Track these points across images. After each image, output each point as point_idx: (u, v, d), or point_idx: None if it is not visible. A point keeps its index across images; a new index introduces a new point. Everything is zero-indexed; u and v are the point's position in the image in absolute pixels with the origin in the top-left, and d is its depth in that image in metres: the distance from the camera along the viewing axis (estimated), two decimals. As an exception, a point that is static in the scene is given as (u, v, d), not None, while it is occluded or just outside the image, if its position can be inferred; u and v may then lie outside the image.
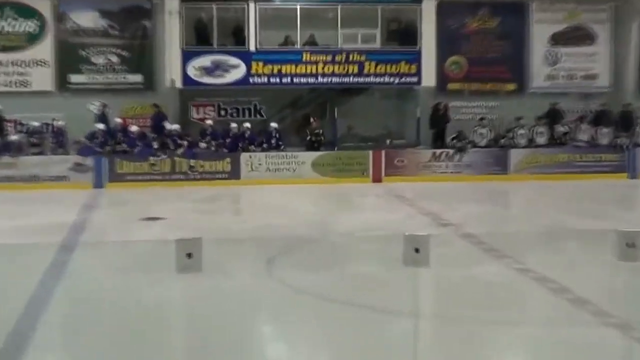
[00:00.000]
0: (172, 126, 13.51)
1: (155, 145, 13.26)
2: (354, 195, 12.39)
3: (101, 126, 13.33)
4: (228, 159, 13.36)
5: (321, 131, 14.12)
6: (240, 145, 13.72)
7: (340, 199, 12.16)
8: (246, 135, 13.86)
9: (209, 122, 13.99)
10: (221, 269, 6.61)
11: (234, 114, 14.64)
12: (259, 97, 14.65)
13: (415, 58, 14.32)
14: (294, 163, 13.50)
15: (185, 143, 13.20)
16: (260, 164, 13.41)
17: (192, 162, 12.99)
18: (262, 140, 13.86)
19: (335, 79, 14.20)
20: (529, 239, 8.39)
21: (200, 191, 12.31)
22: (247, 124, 13.95)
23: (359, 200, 12.04)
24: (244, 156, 13.42)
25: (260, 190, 12.57)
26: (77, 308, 5.67)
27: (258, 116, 14.76)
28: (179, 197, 11.67)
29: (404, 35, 14.17)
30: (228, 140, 13.68)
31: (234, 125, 13.76)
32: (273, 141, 13.87)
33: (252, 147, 13.76)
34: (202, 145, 13.35)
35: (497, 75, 14.96)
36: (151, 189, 12.45)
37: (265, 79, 14.04)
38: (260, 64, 14.01)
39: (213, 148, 13.51)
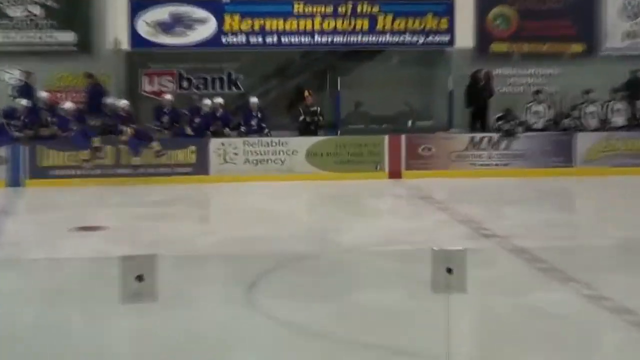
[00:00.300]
0: (117, 102, 13.67)
1: (93, 129, 13.33)
2: (363, 196, 12.47)
3: (24, 102, 13.29)
4: (192, 148, 13.48)
5: (319, 109, 14.30)
6: (209, 128, 13.78)
7: (345, 201, 12.26)
8: (217, 114, 13.96)
9: (168, 97, 14.10)
10: (183, 298, 6.63)
11: (201, 86, 14.85)
12: (234, 63, 14.85)
13: (447, 10, 14.44)
14: (282, 152, 13.63)
15: (128, 130, 13.23)
16: (236, 154, 13.52)
17: (155, 144, 13.13)
18: (238, 121, 14.07)
19: (337, 39, 14.41)
20: (604, 255, 8.41)
21: (154, 191, 12.43)
22: (219, 100, 14.06)
23: (370, 202, 12.13)
24: (214, 143, 13.54)
25: (236, 190, 12.69)
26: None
27: (234, 89, 14.98)
28: (125, 200, 11.80)
29: (432, -22, 14.66)
30: (195, 122, 13.76)
31: (206, 101, 13.89)
32: (254, 122, 14.06)
33: (226, 130, 13.87)
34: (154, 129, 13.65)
35: (558, 32, 15.03)
36: (87, 189, 12.53)
37: (243, 39, 14.24)
38: (236, 17, 14.16)
39: (166, 131, 13.66)
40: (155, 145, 13.13)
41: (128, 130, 13.18)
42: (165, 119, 13.84)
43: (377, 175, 13.59)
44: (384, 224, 10.45)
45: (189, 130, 13.78)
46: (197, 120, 13.79)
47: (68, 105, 13.42)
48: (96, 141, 13.04)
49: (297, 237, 9.25)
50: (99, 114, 13.62)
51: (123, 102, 13.59)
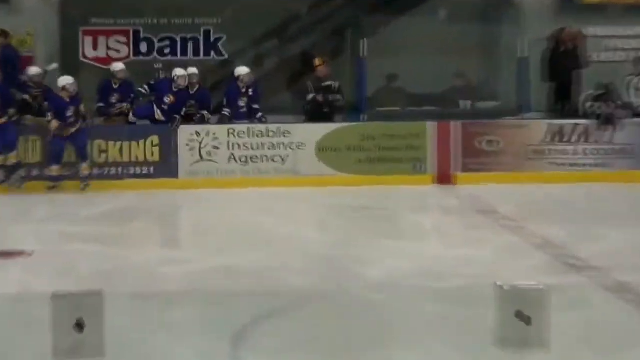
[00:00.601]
0: (39, 70, 13.81)
1: (13, 111, 13.34)
2: (399, 209, 12.51)
3: None
4: (154, 139, 13.67)
5: (336, 85, 14.39)
6: (180, 112, 13.89)
7: (373, 216, 12.23)
8: (191, 91, 14.07)
9: (118, 66, 14.15)
10: (140, 354, 6.54)
11: (167, 51, 14.99)
12: (214, 18, 15.13)
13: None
14: (282, 146, 13.73)
15: (53, 123, 13.21)
16: (217, 148, 13.66)
17: (85, 165, 13.33)
18: (220, 102, 14.25)
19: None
20: None
21: (99, 200, 12.54)
22: (193, 70, 14.14)
23: (408, 218, 12.08)
24: (186, 132, 13.69)
25: (216, 199, 12.76)
26: None
27: (213, 55, 15.25)
28: (56, 212, 11.93)
29: None
30: (160, 102, 13.89)
31: (178, 72, 14.01)
32: (242, 103, 14.18)
33: (204, 114, 14.02)
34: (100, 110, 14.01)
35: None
36: (3, 197, 12.74)
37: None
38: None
39: (116, 110, 13.88)
40: (85, 167, 13.31)
41: (53, 123, 13.20)
42: (115, 97, 14.01)
43: (418, 179, 13.72)
44: (429, 249, 10.36)
45: (159, 115, 13.95)
46: (162, 99, 13.89)
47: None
48: (12, 113, 13.22)
49: (302, 268, 9.21)
50: (18, 87, 13.81)
51: (65, 80, 13.54)
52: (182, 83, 13.97)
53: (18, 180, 13.15)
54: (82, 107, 13.36)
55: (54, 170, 13.25)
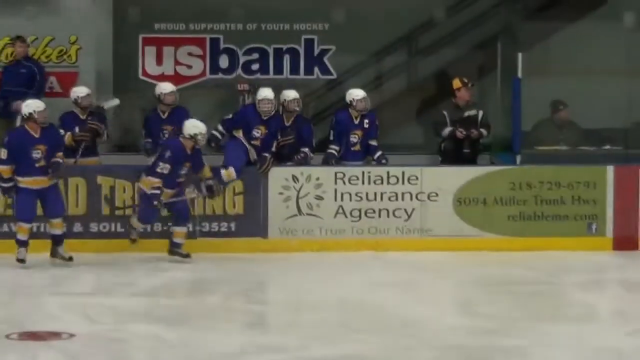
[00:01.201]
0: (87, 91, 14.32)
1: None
2: (566, 282, 12.48)
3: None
4: (237, 184, 13.87)
5: (482, 115, 14.54)
6: (271, 146, 14.08)
7: (529, 292, 12.14)
8: (286, 123, 14.25)
9: (166, 88, 14.41)
10: None
11: (254, 67, 15.15)
12: (319, 23, 15.51)
13: None
14: (408, 196, 13.88)
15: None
16: (321, 197, 13.87)
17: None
18: (327, 137, 14.46)
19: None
20: None
21: (165, 267, 12.91)
22: (292, 93, 14.25)
23: (578, 296, 12.07)
24: (277, 177, 13.91)
25: (319, 267, 12.95)
26: None
27: (317, 72, 15.63)
28: (107, 281, 12.19)
29: None
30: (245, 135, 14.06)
31: (264, 93, 14.03)
32: (355, 139, 14.34)
33: (304, 153, 14.24)
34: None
35: None
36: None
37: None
38: None
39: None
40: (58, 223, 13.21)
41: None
42: (165, 130, 14.27)
43: (592, 243, 13.84)
44: (606, 339, 10.15)
45: (253, 154, 14.11)
46: (252, 133, 13.98)
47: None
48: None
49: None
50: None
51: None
52: (268, 108, 13.93)
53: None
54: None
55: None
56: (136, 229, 13.33)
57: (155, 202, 12.96)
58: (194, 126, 13.13)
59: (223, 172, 13.64)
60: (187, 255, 13.12)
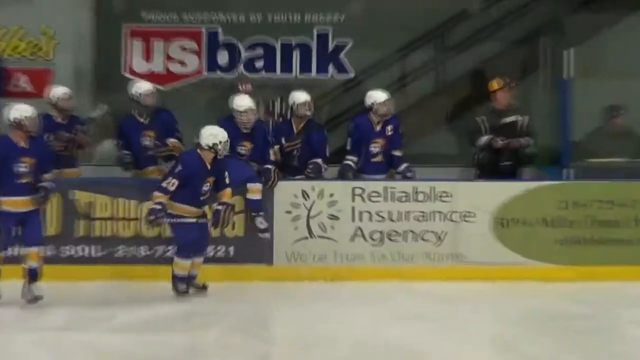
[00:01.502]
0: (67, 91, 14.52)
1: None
2: (623, 316, 12.44)
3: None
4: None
5: (525, 122, 14.65)
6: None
7: (580, 328, 12.13)
8: (294, 128, 14.45)
9: (142, 87, 14.61)
10: None
11: (258, 64, 15.94)
12: (334, 14, 15.94)
13: None
14: (438, 216, 13.91)
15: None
16: (336, 217, 13.90)
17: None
18: (343, 146, 14.62)
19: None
20: None
21: (152, 297, 12.83)
22: (302, 95, 14.39)
23: (634, 335, 11.97)
24: (285, 193, 13.98)
25: (335, 299, 12.95)
26: None
27: (332, 71, 16.18)
28: (83, 315, 12.14)
29: None
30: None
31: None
32: (375, 148, 14.47)
33: (317, 164, 14.24)
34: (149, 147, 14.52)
35: None
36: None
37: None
38: None
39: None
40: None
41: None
42: (147, 137, 14.47)
43: None
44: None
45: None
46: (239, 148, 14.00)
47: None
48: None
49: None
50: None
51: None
52: (248, 119, 13.89)
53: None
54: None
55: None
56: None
57: (152, 218, 12.75)
58: (211, 135, 12.93)
59: (249, 186, 13.61)
60: (204, 287, 13.06)
